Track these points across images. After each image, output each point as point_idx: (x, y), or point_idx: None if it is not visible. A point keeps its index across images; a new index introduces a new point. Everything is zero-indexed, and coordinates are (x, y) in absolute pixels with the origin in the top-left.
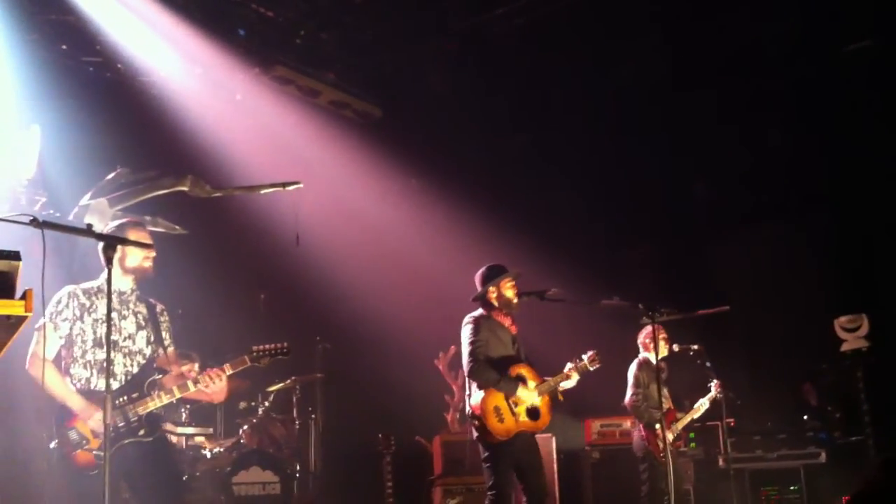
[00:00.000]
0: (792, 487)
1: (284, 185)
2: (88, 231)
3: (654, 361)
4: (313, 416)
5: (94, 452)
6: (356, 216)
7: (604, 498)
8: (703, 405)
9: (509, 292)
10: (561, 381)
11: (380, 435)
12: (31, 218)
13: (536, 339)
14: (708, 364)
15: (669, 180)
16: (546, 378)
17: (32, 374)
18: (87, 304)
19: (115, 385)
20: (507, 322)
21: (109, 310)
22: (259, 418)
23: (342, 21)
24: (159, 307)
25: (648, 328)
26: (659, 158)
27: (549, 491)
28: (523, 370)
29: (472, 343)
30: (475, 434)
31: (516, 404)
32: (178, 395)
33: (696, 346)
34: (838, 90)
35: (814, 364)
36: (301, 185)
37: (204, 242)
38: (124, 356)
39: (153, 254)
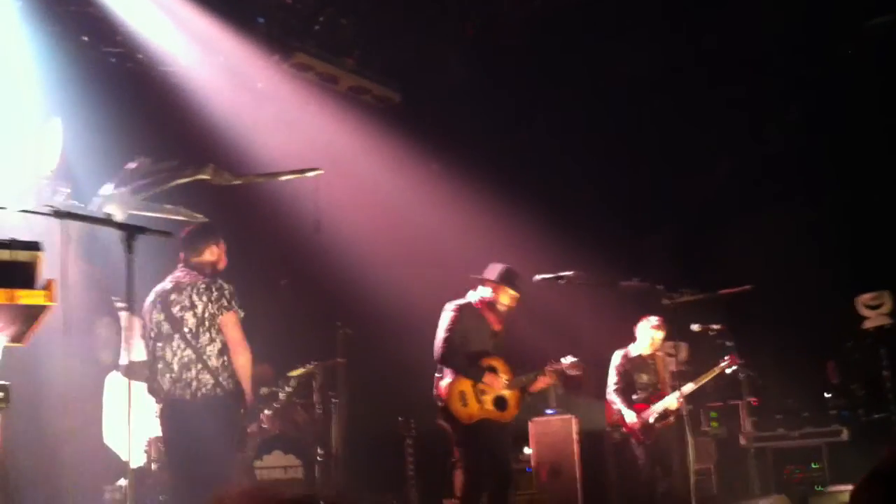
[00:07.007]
0: (814, 465)
1: (304, 171)
2: (108, 220)
3: (633, 354)
4: (335, 400)
5: None
6: (376, 201)
7: (626, 478)
8: (707, 375)
9: (505, 300)
10: (532, 381)
11: (400, 419)
12: (53, 209)
13: (555, 323)
14: (729, 343)
15: (690, 163)
16: (519, 375)
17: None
18: None
19: None
20: (490, 316)
21: (131, 296)
22: (281, 403)
23: (361, 7)
24: None
25: (646, 321)
26: (679, 142)
27: (512, 478)
28: (496, 363)
29: (448, 330)
30: (440, 417)
31: (484, 392)
32: None
33: (717, 326)
34: (858, 70)
35: (837, 342)
36: (321, 172)
37: (225, 230)
38: None
39: None
